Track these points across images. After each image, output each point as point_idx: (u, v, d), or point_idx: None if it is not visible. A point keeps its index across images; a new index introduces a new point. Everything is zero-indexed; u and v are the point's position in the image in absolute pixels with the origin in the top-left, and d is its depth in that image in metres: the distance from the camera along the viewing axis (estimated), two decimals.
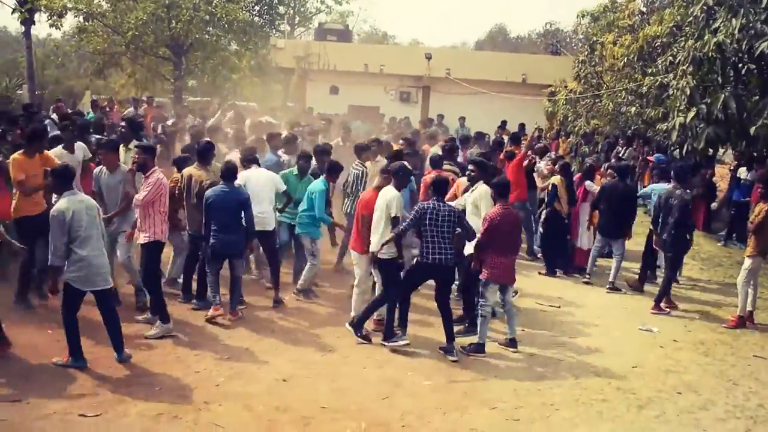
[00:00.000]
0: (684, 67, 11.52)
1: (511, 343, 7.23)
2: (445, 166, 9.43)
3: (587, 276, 10.02)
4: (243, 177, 8.07)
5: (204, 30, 19.57)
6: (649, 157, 15.39)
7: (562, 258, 10.37)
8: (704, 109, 11.14)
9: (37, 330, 6.81)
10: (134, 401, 5.55)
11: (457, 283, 7.99)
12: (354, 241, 7.58)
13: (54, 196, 6.70)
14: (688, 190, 9.20)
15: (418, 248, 7.30)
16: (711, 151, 13.55)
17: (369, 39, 45.37)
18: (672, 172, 9.45)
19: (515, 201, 9.06)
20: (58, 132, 9.30)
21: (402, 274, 7.18)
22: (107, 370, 6.07)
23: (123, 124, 10.72)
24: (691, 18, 11.83)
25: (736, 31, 10.46)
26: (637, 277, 9.93)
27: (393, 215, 6.99)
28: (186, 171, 7.92)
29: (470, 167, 8.21)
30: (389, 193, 7.13)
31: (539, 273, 10.27)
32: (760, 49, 10.20)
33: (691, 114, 11.25)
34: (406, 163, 7.78)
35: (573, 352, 7.29)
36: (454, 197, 8.28)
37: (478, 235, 7.11)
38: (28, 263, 7.23)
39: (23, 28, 18.82)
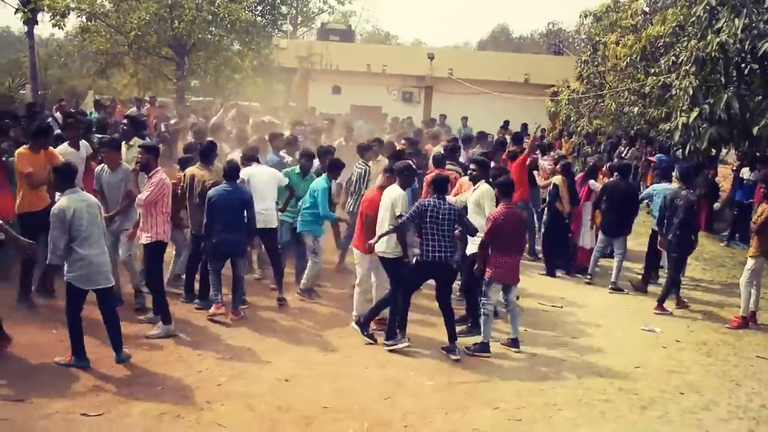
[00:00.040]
0: (687, 67, 11.52)
1: (514, 343, 7.22)
2: (448, 166, 9.44)
3: (589, 276, 10.02)
4: (246, 173, 8.11)
5: (207, 30, 19.57)
6: (650, 158, 15.40)
7: (562, 258, 10.37)
8: (707, 109, 11.14)
9: (40, 329, 6.81)
10: (136, 401, 5.55)
11: (458, 282, 7.99)
12: (357, 239, 7.60)
13: (57, 193, 6.70)
14: (692, 191, 9.19)
15: (418, 247, 7.30)
16: (714, 151, 13.55)
17: (371, 39, 45.38)
18: (677, 173, 9.43)
19: (518, 201, 9.08)
20: (60, 131, 9.32)
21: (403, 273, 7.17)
22: (109, 370, 6.07)
23: (125, 121, 10.74)
24: (693, 18, 11.81)
25: (739, 31, 10.46)
26: (640, 277, 9.93)
27: (398, 214, 6.99)
28: (189, 171, 7.93)
29: (472, 166, 8.21)
30: (394, 191, 7.13)
31: (539, 273, 10.26)
32: (763, 49, 10.21)
33: (694, 114, 11.25)
34: (411, 162, 7.78)
35: (575, 352, 7.29)
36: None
37: (482, 235, 7.11)
38: (28, 262, 7.21)
39: (26, 28, 18.89)
